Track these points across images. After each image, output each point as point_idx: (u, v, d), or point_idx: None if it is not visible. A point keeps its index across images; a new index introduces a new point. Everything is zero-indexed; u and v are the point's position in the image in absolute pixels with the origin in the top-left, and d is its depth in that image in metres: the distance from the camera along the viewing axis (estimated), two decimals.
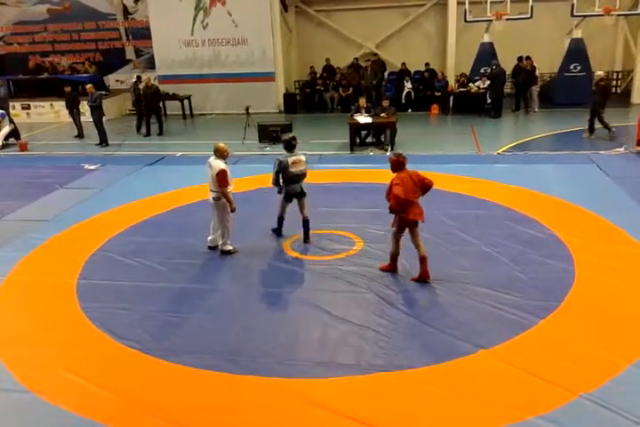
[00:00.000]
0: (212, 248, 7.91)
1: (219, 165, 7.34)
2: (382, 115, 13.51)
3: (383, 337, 5.61)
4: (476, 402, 4.63)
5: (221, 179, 7.30)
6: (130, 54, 22.18)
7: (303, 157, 7.81)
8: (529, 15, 16.98)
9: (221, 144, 7.54)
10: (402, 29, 20.48)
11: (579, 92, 17.43)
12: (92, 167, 12.63)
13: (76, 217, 9.44)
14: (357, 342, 5.56)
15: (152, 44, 19.98)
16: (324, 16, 20.77)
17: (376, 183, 10.40)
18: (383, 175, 10.73)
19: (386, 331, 5.72)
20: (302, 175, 7.81)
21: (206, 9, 19.04)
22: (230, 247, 7.78)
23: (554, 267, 6.91)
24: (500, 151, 12.81)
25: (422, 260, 6.68)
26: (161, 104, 19.37)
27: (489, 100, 17.31)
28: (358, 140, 13.84)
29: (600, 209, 8.61)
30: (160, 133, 16.47)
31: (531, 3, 16.89)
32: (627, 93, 18.90)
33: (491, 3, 17.19)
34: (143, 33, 21.05)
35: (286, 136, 7.84)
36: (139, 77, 17.58)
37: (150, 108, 16.45)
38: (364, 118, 13.40)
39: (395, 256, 6.92)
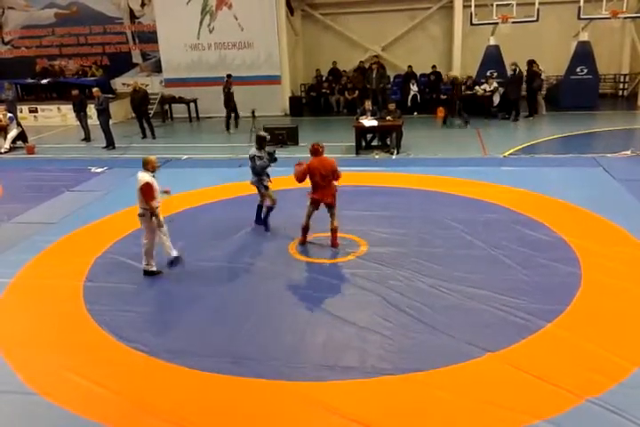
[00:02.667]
0: (171, 264, 7.35)
1: (144, 177, 7.03)
2: (388, 118, 13.51)
3: (389, 340, 5.60)
4: (482, 406, 4.61)
5: (146, 192, 6.97)
6: (136, 58, 22.25)
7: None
8: (535, 18, 16.93)
9: (152, 157, 7.25)
10: (408, 32, 20.48)
11: (585, 95, 17.44)
12: (99, 170, 12.69)
13: (82, 220, 9.48)
14: (363, 345, 5.55)
15: (158, 47, 20.07)
16: (330, 19, 20.79)
17: (381, 186, 10.45)
18: (389, 178, 10.84)
19: (391, 334, 5.71)
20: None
21: (212, 13, 19.10)
22: (154, 268, 7.30)
23: (561, 270, 6.88)
24: (506, 154, 12.78)
25: (333, 230, 7.90)
26: (167, 107, 19.59)
27: (495, 104, 17.30)
28: (364, 144, 13.83)
29: (607, 212, 8.57)
30: (153, 137, 16.53)
31: (537, 5, 16.85)
32: (634, 96, 18.84)
33: (497, 6, 17.18)
34: (150, 37, 21.13)
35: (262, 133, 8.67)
36: (229, 76, 17.39)
37: (139, 111, 16.47)
38: (369, 121, 13.39)
39: (305, 229, 7.99)
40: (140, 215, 7.19)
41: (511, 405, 4.59)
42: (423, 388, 4.89)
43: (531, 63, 17.09)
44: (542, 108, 17.40)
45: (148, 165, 7.16)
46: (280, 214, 8.83)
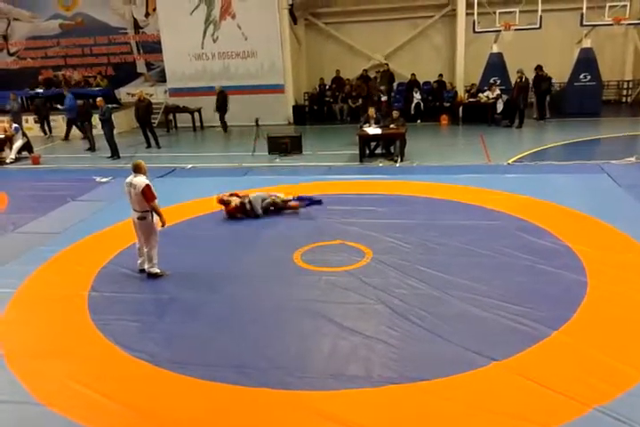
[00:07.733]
0: (144, 271, 7.59)
1: (142, 180, 7.27)
2: (392, 126, 13.52)
3: (394, 349, 5.57)
4: (488, 415, 4.57)
5: (149, 194, 7.22)
6: (141, 68, 22.40)
7: None
8: (538, 25, 17.00)
9: (141, 161, 7.57)
10: (411, 41, 20.56)
11: (589, 102, 17.44)
12: (104, 180, 12.70)
13: (87, 230, 9.49)
14: (368, 354, 5.52)
15: (163, 57, 20.22)
16: (333, 28, 20.89)
17: (385, 194, 10.45)
18: (393, 187, 10.83)
19: (397, 343, 5.68)
20: None
21: (216, 22, 19.24)
22: (158, 270, 7.49)
23: (566, 278, 6.84)
24: (510, 161, 12.77)
25: None
26: (170, 117, 19.67)
27: (499, 110, 17.30)
28: (368, 152, 13.85)
29: (612, 219, 8.54)
30: (158, 146, 16.63)
31: (540, 13, 16.92)
32: (637, 103, 18.84)
33: (499, 13, 17.25)
34: (154, 47, 21.29)
35: None
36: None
37: (142, 121, 16.57)
38: (373, 129, 13.41)
39: None
40: (142, 218, 7.31)
41: (518, 414, 4.56)
42: (429, 397, 4.86)
43: (540, 68, 17.11)
44: (547, 113, 17.43)
45: (141, 169, 7.42)
46: (284, 225, 8.86)
